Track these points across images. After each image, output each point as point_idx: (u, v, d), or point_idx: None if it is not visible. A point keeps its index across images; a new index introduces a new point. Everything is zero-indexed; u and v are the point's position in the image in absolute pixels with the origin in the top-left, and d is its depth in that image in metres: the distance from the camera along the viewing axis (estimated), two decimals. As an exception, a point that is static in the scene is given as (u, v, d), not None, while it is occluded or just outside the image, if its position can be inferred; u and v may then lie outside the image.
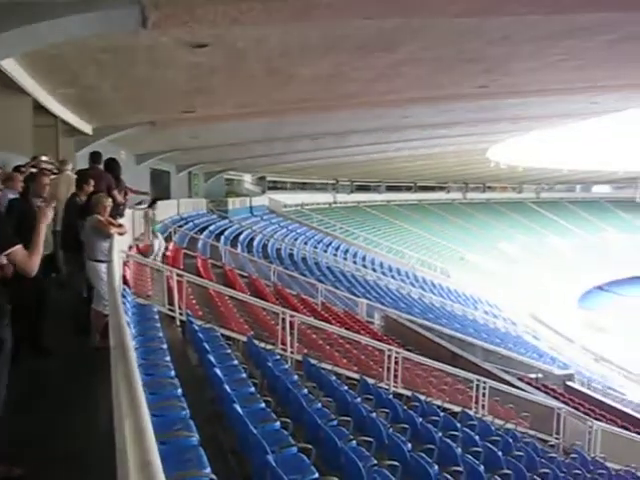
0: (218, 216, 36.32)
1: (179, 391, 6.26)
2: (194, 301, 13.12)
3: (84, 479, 4.76)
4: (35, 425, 5.47)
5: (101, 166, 10.94)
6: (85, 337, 8.22)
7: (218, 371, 7.89)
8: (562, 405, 17.30)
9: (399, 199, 60.85)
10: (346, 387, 11.20)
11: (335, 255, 39.22)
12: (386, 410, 10.69)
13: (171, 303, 11.84)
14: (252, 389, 8.26)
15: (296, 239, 39.26)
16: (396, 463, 7.72)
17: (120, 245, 10.24)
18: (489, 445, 10.48)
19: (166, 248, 19.12)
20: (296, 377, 10.24)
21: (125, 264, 11.64)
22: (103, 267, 8.05)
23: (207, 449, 5.09)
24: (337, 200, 55.22)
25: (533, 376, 23.51)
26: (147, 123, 19.69)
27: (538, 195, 70.82)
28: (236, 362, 9.35)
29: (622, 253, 60.20)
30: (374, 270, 38.46)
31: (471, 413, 13.83)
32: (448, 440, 9.70)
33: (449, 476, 8.12)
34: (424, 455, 8.25)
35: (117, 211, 10.35)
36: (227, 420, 7.09)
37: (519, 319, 41.45)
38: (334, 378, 11.51)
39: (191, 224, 30.08)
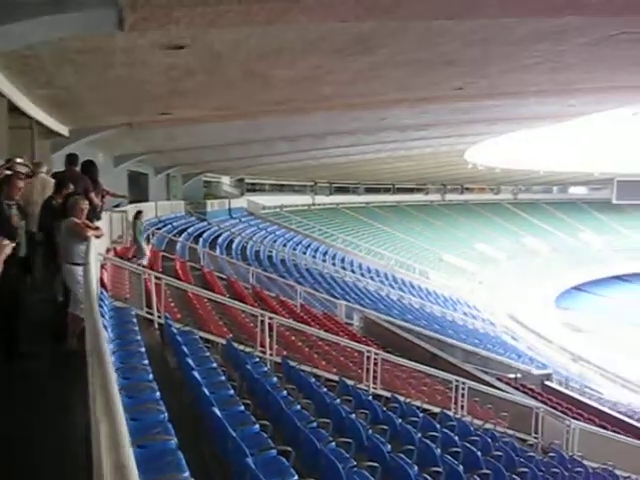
0: (196, 218, 36.15)
1: (157, 394, 6.23)
2: (172, 304, 13.07)
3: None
4: (11, 429, 5.41)
5: (78, 168, 10.84)
6: (62, 341, 8.14)
7: (197, 374, 7.86)
8: (540, 405, 17.44)
9: (378, 201, 60.97)
10: (325, 389, 11.22)
11: (314, 257, 39.22)
12: (365, 411, 10.72)
13: (149, 306, 11.76)
14: (231, 392, 8.24)
15: (275, 241, 39.21)
16: (375, 464, 7.75)
17: (97, 248, 10.16)
18: (468, 445, 10.54)
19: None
20: (275, 379, 10.24)
21: (102, 267, 11.56)
22: (80, 270, 7.96)
23: (186, 452, 5.07)
24: (316, 202, 55.12)
25: (512, 376, 23.68)
26: (124, 125, 19.54)
27: (515, 196, 71.28)
28: (215, 365, 9.33)
29: (598, 254, 60.90)
30: (353, 272, 38.54)
31: (450, 414, 13.90)
32: (427, 441, 9.74)
33: (428, 477, 8.16)
34: (403, 456, 8.29)
35: (94, 214, 10.27)
36: (206, 423, 7.07)
37: (498, 320, 41.75)
38: (313, 380, 11.52)
39: (169, 226, 29.91)
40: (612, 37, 10.68)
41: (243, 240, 34.62)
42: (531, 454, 13.32)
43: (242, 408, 7.68)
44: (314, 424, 8.33)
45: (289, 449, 6.82)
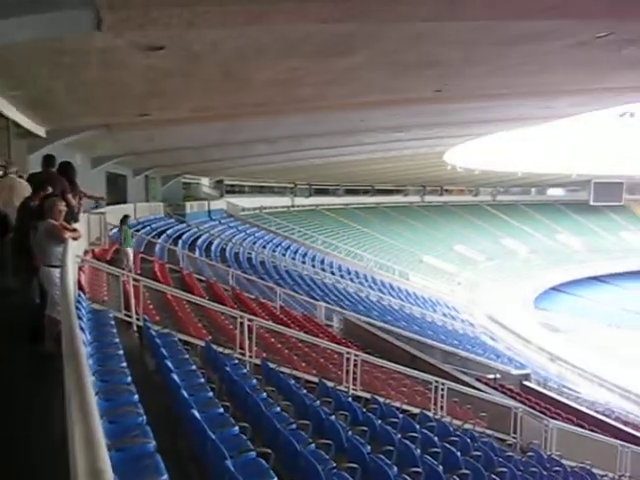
0: (176, 220, 35.95)
1: (135, 397, 6.19)
2: (151, 306, 12.99)
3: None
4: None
5: (55, 169, 10.73)
6: (39, 344, 8.05)
7: (175, 376, 7.82)
8: (519, 404, 17.55)
9: (357, 202, 61.12)
10: (305, 390, 11.21)
11: (294, 259, 39.16)
12: (345, 413, 10.72)
13: (127, 308, 11.67)
14: (210, 394, 8.21)
15: (254, 243, 39.11)
16: (355, 465, 7.76)
17: (75, 250, 10.07)
18: (447, 446, 10.59)
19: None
20: (255, 381, 10.23)
21: (80, 269, 11.46)
22: (57, 272, 7.87)
23: (164, 455, 5.04)
24: (295, 203, 55.08)
25: (491, 376, 23.81)
26: (102, 126, 19.40)
27: (494, 198, 71.74)
28: (194, 367, 9.29)
29: (576, 255, 61.50)
30: (332, 273, 38.56)
31: (430, 414, 13.95)
32: (407, 441, 9.77)
33: (408, 477, 8.18)
34: (383, 457, 8.31)
35: (72, 216, 10.17)
36: (185, 426, 7.04)
37: (477, 320, 41.99)
38: (293, 382, 11.50)
39: (148, 228, 29.69)
40: (598, 39, 10.77)
41: (222, 242, 34.49)
42: (510, 454, 13.40)
43: (221, 410, 7.65)
44: (294, 426, 8.32)
45: (269, 451, 6.81)
